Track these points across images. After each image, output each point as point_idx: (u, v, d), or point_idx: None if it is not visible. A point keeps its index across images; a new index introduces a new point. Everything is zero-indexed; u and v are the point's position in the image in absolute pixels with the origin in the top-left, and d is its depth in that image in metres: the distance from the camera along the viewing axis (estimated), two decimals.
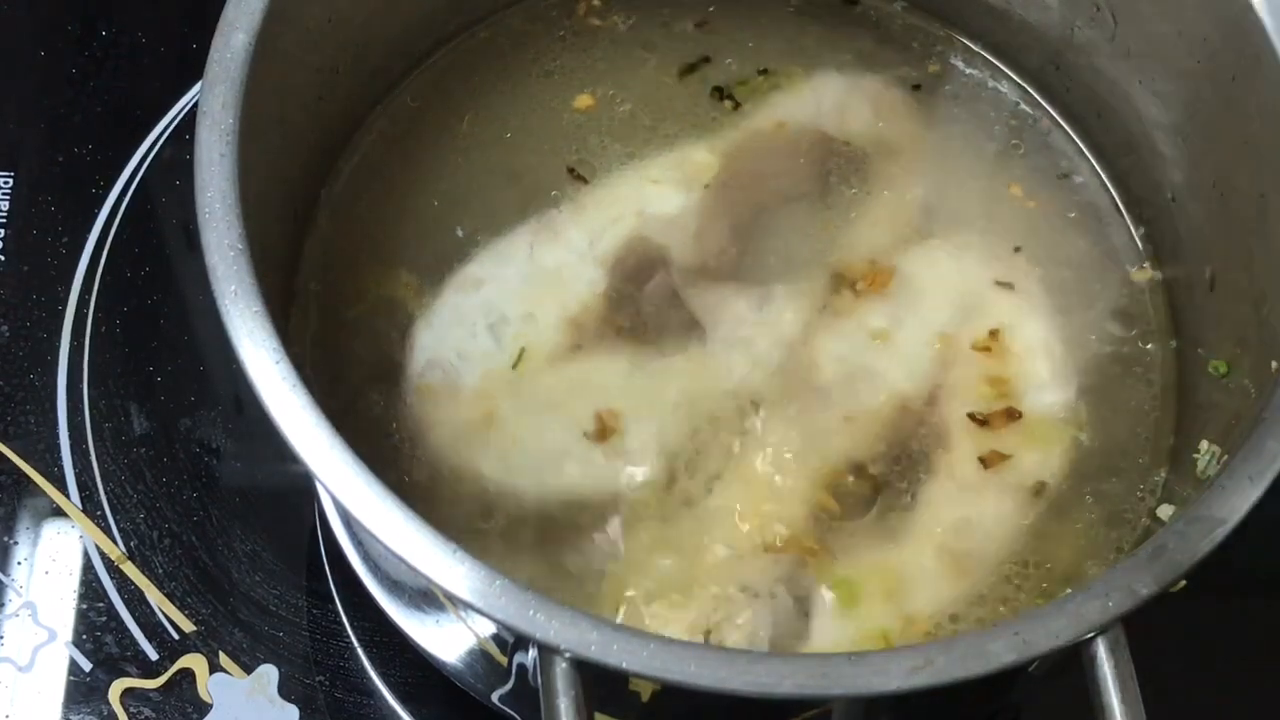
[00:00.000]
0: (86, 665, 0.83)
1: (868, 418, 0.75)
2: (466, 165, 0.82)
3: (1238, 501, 0.59)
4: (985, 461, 0.74)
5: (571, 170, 0.82)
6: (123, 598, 0.85)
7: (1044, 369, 0.78)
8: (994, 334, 0.78)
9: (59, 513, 0.88)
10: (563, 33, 0.88)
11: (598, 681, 0.55)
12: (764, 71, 0.86)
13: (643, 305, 0.78)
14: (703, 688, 0.54)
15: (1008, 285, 0.80)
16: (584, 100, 0.85)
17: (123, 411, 0.91)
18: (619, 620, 0.69)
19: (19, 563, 0.86)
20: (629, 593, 0.71)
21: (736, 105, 0.84)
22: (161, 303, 0.94)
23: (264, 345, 0.59)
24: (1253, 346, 0.71)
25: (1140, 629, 0.57)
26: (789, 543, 0.72)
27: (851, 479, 0.74)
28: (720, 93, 0.85)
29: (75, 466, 0.89)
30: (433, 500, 0.73)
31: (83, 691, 0.83)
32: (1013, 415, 0.76)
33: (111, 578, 0.86)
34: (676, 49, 0.87)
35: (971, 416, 0.75)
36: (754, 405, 0.76)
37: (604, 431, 0.74)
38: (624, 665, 0.54)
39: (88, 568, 0.86)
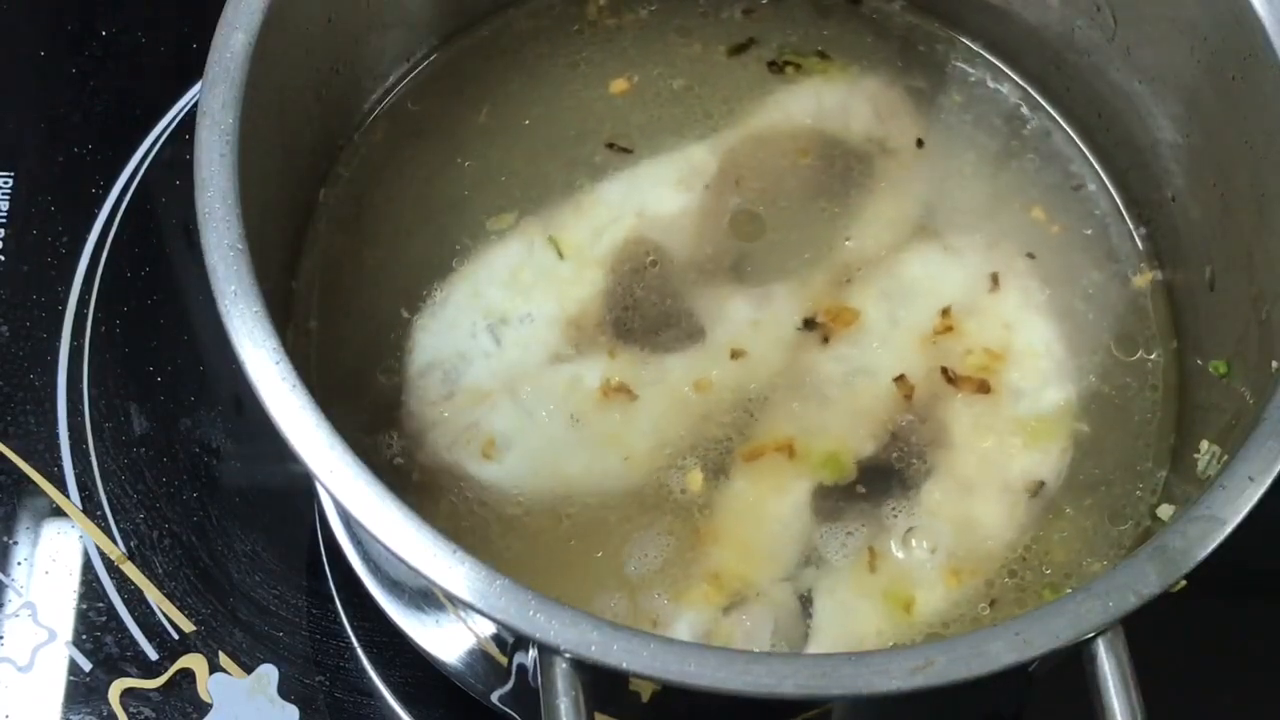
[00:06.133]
0: (86, 665, 0.83)
1: (867, 417, 0.76)
2: (469, 163, 0.82)
3: (1238, 501, 0.60)
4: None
5: (611, 145, 0.82)
6: (123, 598, 0.85)
7: (1045, 368, 0.78)
8: (994, 333, 0.78)
9: (59, 513, 0.87)
10: (578, 26, 0.87)
11: (598, 681, 0.55)
12: (821, 54, 0.86)
13: (642, 305, 0.78)
14: (703, 688, 0.54)
15: (1008, 284, 0.80)
16: (619, 85, 0.84)
17: (123, 411, 0.91)
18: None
19: (19, 563, 0.86)
20: (629, 591, 0.71)
21: (798, 67, 0.85)
22: (161, 303, 0.94)
23: (264, 345, 0.59)
24: (1252, 346, 0.71)
25: (1140, 629, 0.57)
26: (792, 542, 0.72)
27: (852, 478, 0.74)
28: (774, 65, 0.85)
29: (75, 466, 0.89)
30: (433, 501, 0.73)
31: (83, 691, 0.83)
32: (984, 388, 0.76)
33: (111, 578, 0.86)
34: (720, 32, 0.87)
35: (944, 371, 0.76)
36: (754, 405, 0.76)
37: (604, 431, 0.74)
38: (624, 665, 0.54)
39: (88, 568, 0.86)
